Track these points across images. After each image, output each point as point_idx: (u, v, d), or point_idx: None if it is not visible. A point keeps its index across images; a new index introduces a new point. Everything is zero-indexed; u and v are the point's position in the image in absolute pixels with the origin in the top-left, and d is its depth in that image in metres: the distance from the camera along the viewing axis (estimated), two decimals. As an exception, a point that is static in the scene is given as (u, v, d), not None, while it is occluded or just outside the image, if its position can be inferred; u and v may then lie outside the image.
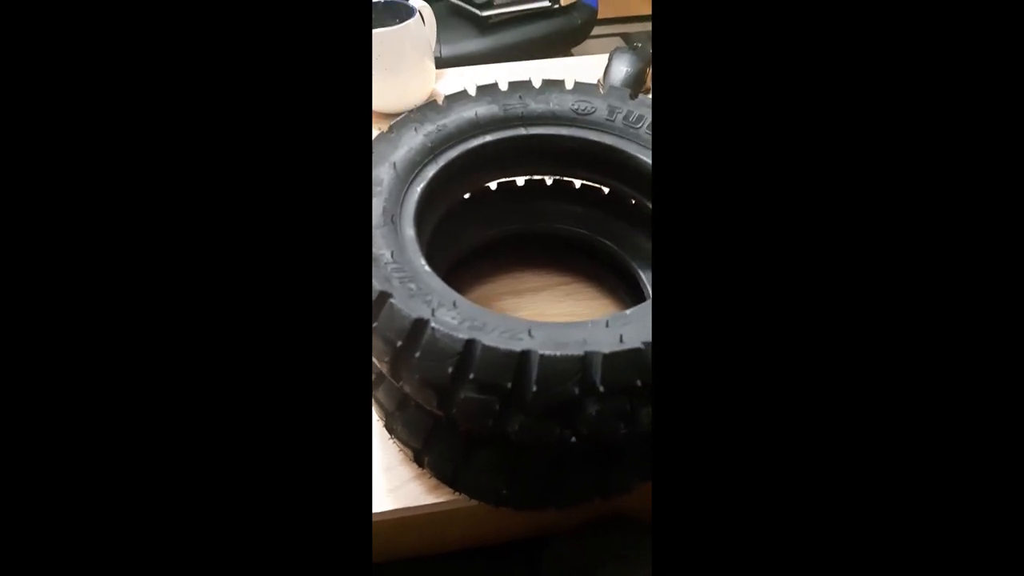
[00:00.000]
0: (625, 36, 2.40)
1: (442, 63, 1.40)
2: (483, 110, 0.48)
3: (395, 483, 0.47)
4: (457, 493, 0.43)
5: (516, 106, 0.49)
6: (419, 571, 0.60)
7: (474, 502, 0.43)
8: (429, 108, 0.48)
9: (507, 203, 0.58)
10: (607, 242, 0.56)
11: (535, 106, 0.49)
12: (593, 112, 0.49)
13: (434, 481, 0.45)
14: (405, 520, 0.47)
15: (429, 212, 0.46)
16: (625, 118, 0.49)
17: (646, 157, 0.47)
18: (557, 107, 0.49)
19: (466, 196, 0.54)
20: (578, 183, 0.58)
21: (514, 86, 0.51)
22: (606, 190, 0.57)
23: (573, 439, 0.32)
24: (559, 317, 0.58)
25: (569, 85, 0.52)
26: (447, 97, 0.49)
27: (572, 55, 2.09)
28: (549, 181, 0.59)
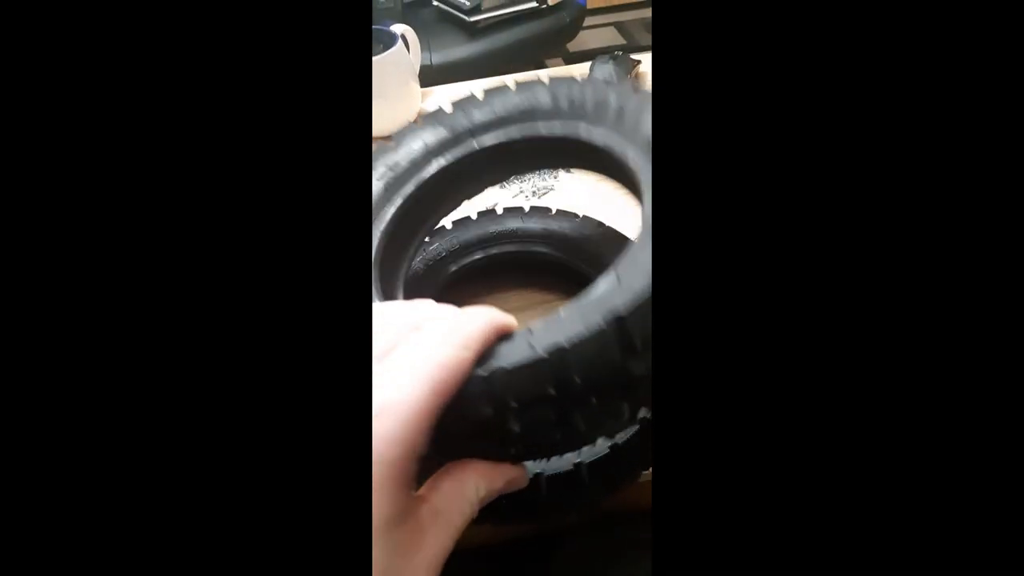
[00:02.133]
0: (619, 25, 2.39)
1: (433, 72, 1.42)
2: (431, 136, 0.49)
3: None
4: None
5: (462, 121, 0.49)
6: None
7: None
8: (379, 151, 0.49)
9: (486, 229, 0.61)
10: (581, 264, 0.59)
11: (480, 116, 0.49)
12: (536, 104, 0.48)
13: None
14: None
15: (395, 250, 0.48)
16: (569, 100, 0.47)
17: (589, 134, 0.45)
18: (502, 110, 0.49)
19: (447, 227, 0.57)
20: (554, 209, 0.61)
21: (457, 104, 0.51)
22: (580, 214, 0.60)
23: (512, 452, 0.32)
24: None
25: (512, 88, 0.51)
26: (395, 135, 0.51)
27: (567, 50, 2.10)
28: (527, 208, 0.62)
